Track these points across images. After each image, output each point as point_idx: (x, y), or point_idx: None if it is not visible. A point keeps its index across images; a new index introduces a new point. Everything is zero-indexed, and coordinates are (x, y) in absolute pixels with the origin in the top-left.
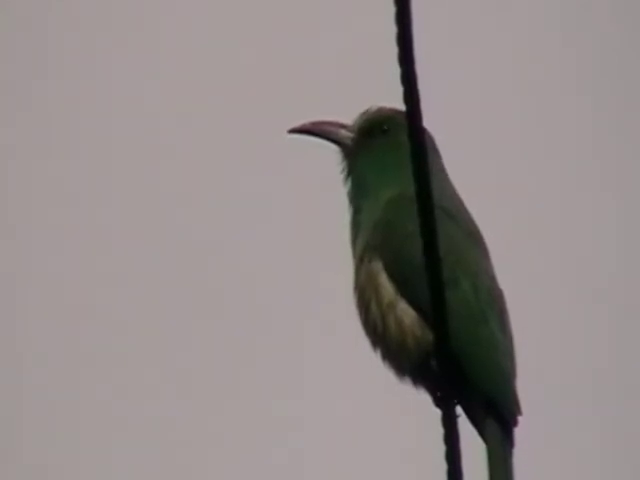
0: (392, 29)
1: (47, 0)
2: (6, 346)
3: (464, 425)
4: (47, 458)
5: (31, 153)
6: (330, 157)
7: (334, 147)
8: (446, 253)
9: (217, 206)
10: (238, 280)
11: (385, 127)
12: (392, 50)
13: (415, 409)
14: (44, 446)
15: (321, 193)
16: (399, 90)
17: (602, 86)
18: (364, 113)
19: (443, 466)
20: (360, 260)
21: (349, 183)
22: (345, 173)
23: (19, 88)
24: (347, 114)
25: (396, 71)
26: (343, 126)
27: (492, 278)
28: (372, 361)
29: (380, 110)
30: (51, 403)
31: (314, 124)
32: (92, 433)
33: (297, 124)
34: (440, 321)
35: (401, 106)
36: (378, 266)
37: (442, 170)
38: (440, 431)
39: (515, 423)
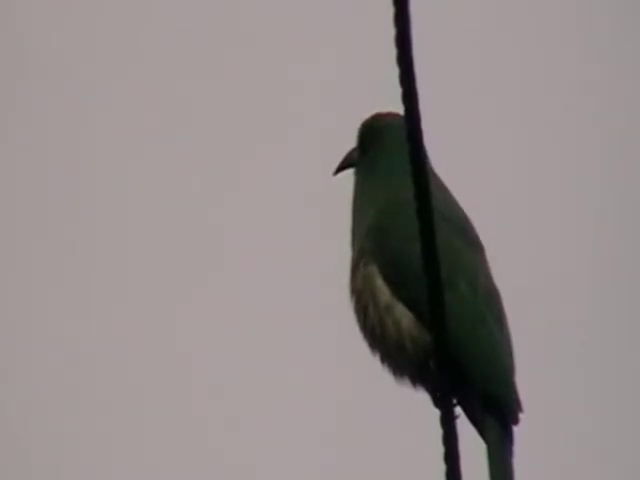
0: (391, 30)
1: None
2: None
3: (463, 426)
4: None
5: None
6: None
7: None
8: (443, 254)
9: (222, 213)
10: (236, 283)
11: (377, 134)
12: (391, 51)
13: (414, 409)
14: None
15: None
16: (398, 90)
17: (605, 90)
18: (362, 124)
19: (442, 467)
20: (356, 265)
21: (353, 196)
22: (353, 188)
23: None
24: (347, 115)
25: (395, 72)
26: (356, 148)
27: (489, 278)
28: (371, 362)
29: (371, 119)
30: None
31: (345, 158)
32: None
33: (335, 164)
34: (438, 322)
35: (400, 107)
36: (374, 270)
37: (434, 172)
38: (439, 431)
39: (516, 421)
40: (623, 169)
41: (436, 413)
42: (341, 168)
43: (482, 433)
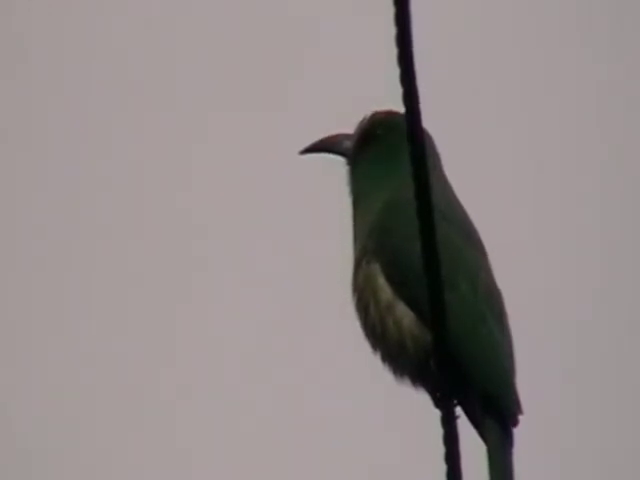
0: (391, 30)
1: None
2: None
3: (464, 426)
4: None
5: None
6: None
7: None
8: (443, 254)
9: (222, 215)
10: (237, 283)
11: (378, 132)
12: (391, 51)
13: (415, 410)
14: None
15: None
16: (399, 90)
17: (605, 90)
18: (361, 121)
19: (442, 467)
20: (358, 263)
21: (349, 191)
22: (346, 182)
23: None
24: (347, 115)
25: (396, 71)
26: (347, 137)
27: (490, 277)
28: (372, 362)
29: (374, 115)
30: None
31: (321, 141)
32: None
33: (306, 145)
34: (439, 322)
35: (400, 107)
36: (376, 268)
37: (439, 171)
38: (440, 432)
39: (515, 423)
40: (624, 169)
41: (437, 413)
42: (322, 150)
43: (482, 435)
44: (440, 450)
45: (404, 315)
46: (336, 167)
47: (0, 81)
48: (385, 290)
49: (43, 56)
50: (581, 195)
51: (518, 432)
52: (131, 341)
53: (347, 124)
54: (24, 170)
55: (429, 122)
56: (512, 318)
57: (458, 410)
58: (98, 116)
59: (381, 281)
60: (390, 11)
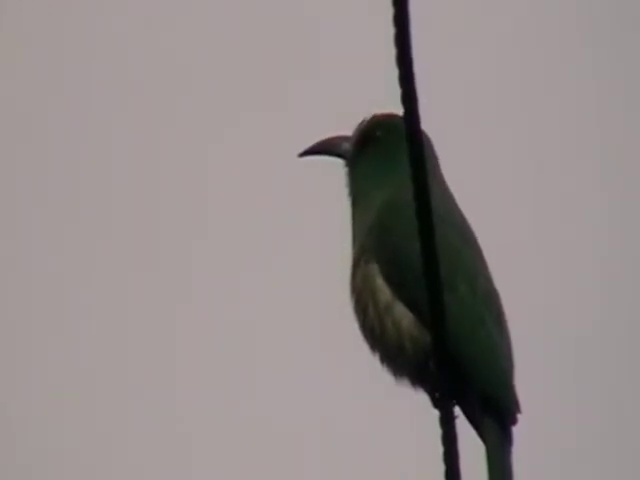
0: (390, 30)
1: None
2: None
3: (462, 426)
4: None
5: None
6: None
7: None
8: (442, 255)
9: (221, 216)
10: (235, 283)
11: (378, 134)
12: (390, 52)
13: (414, 410)
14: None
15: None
16: (398, 91)
17: (605, 90)
18: (360, 123)
19: (441, 467)
20: (356, 264)
21: (348, 192)
22: (346, 183)
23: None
24: (347, 116)
25: (395, 73)
26: (345, 139)
27: (488, 279)
28: (370, 362)
29: (373, 117)
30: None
31: (319, 143)
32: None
33: (305, 147)
34: (438, 323)
35: (400, 108)
36: (374, 268)
37: (438, 174)
38: (438, 432)
39: (514, 422)
40: (624, 169)
41: (435, 413)
42: (321, 152)
43: (481, 434)
44: (439, 450)
45: (403, 316)
46: (335, 169)
47: (0, 81)
48: (384, 291)
49: (43, 56)
50: (581, 195)
51: (517, 431)
52: (131, 341)
53: (346, 125)
54: (24, 170)
55: (428, 123)
56: (511, 319)
57: (457, 410)
58: (97, 117)
59: (380, 282)
60: (389, 12)
